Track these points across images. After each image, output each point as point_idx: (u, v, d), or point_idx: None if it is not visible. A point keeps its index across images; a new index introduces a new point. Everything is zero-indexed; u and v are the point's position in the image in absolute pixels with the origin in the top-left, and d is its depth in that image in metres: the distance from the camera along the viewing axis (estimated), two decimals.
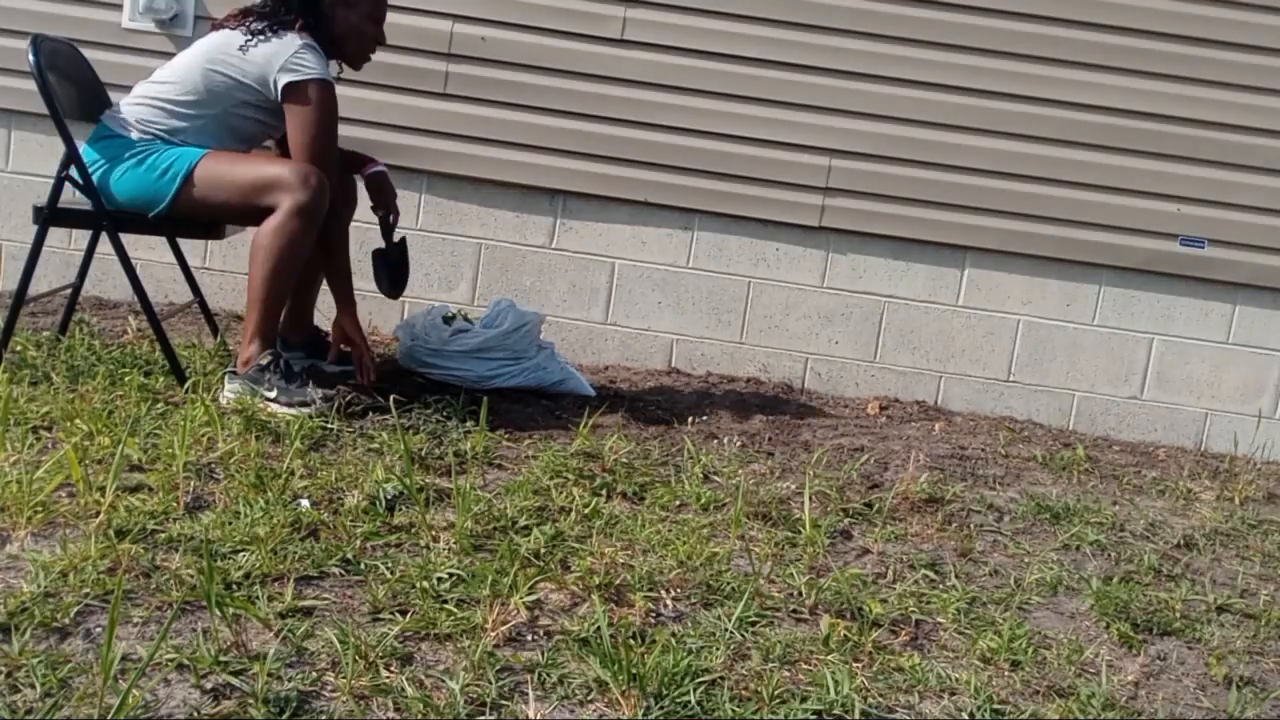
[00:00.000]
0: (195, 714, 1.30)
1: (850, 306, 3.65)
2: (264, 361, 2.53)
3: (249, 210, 2.54)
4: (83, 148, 2.57)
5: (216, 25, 2.67)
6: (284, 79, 2.53)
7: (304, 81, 2.54)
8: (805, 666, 1.61)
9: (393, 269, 2.98)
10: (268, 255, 2.50)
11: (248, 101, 2.60)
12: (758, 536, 2.14)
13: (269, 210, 2.50)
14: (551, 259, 3.64)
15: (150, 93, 2.61)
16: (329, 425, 2.43)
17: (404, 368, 3.04)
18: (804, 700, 1.49)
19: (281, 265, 2.51)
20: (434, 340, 2.96)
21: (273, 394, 2.49)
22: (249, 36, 2.56)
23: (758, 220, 3.60)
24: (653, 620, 1.71)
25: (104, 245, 2.69)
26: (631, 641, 1.57)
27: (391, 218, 2.93)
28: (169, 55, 3.48)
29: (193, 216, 2.61)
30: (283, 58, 2.54)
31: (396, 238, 2.99)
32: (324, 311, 3.08)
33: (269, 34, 2.56)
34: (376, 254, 2.97)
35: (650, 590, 1.79)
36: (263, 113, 2.63)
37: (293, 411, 2.46)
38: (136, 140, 2.57)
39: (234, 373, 2.56)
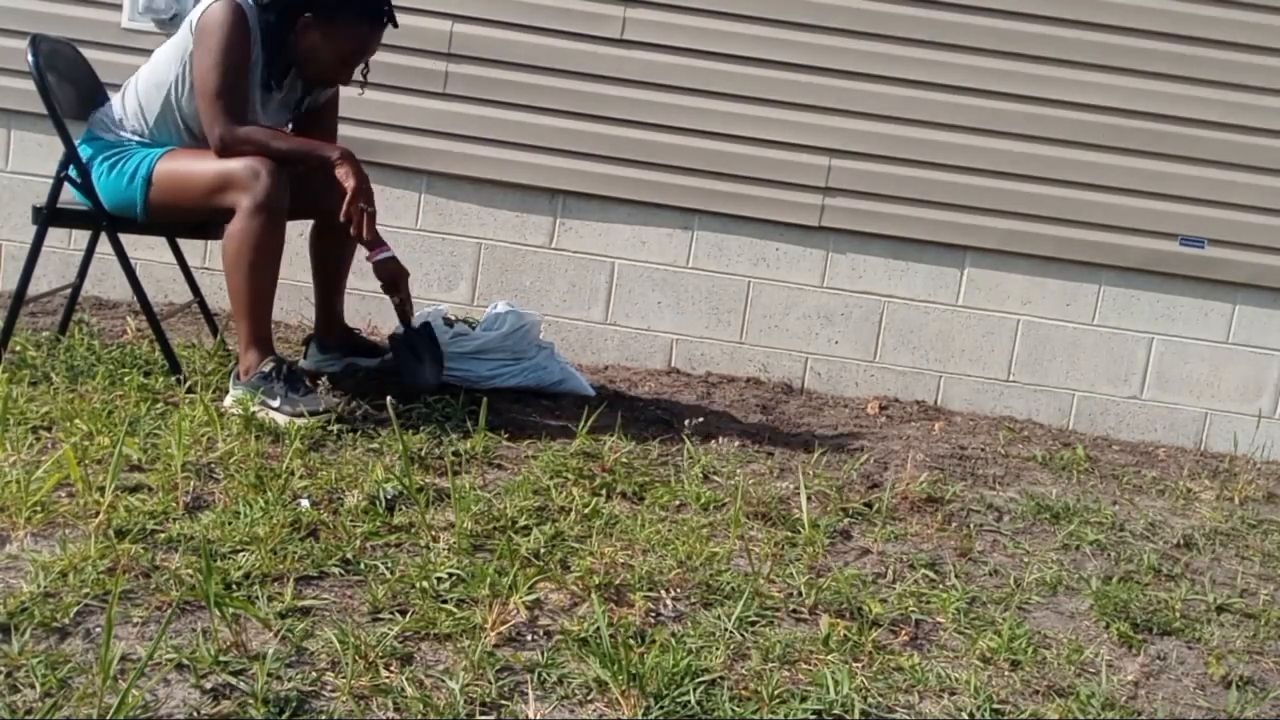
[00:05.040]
0: (195, 714, 1.30)
1: (850, 306, 3.65)
2: (266, 369, 2.46)
3: (215, 212, 2.48)
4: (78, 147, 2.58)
5: None
6: (194, 15, 2.45)
7: (207, 8, 2.43)
8: (805, 666, 1.61)
9: (421, 353, 2.78)
10: (237, 261, 2.44)
11: (187, 86, 2.51)
12: (757, 536, 2.14)
13: (231, 210, 2.43)
14: (551, 259, 3.64)
15: (127, 90, 2.60)
16: (329, 426, 2.43)
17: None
18: (804, 700, 1.49)
19: (255, 268, 2.44)
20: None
21: (276, 403, 2.42)
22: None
23: (758, 220, 3.60)
24: (653, 620, 1.71)
25: (104, 245, 2.69)
26: (631, 641, 1.57)
27: (405, 301, 2.73)
28: None
29: (171, 221, 2.60)
30: (200, 9, 2.45)
31: (417, 322, 2.84)
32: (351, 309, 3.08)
33: None
34: (394, 339, 2.82)
35: (650, 590, 1.79)
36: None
37: (301, 421, 2.40)
38: (112, 141, 2.57)
39: (236, 379, 2.51)
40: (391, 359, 2.84)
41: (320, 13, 2.53)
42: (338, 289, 2.95)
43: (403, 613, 1.61)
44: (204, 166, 2.47)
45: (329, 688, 1.40)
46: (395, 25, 2.65)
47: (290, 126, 2.77)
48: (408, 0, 3.45)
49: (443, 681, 1.43)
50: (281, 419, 2.41)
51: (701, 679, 1.51)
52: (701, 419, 2.95)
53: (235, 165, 2.43)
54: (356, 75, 2.72)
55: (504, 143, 3.55)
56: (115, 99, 2.62)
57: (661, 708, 1.42)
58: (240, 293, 2.48)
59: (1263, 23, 3.46)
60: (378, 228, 2.59)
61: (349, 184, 2.47)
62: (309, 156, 2.53)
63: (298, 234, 2.78)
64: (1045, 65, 3.50)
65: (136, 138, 2.58)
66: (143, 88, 2.57)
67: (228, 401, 2.49)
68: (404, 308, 2.73)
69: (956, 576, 2.05)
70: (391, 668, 1.45)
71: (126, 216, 2.57)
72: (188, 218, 2.59)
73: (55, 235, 3.24)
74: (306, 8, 2.52)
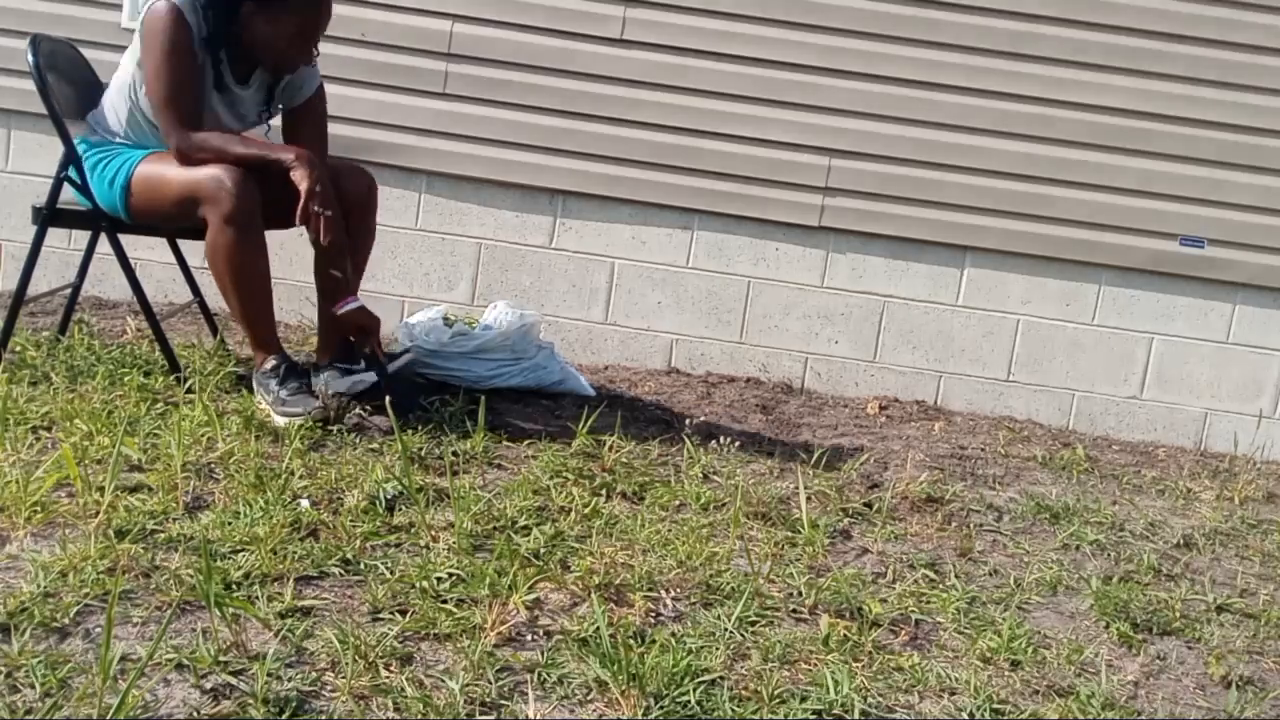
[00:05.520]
0: (195, 714, 1.30)
1: (850, 306, 3.65)
2: (268, 367, 2.53)
3: (192, 221, 2.46)
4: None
5: None
6: (138, 21, 2.44)
7: (147, 11, 2.41)
8: (805, 666, 1.61)
9: (396, 390, 2.61)
10: (220, 274, 2.45)
11: (143, 87, 2.49)
12: (757, 536, 2.14)
13: (206, 221, 2.43)
14: (551, 259, 3.64)
15: (107, 91, 2.60)
16: (329, 426, 2.43)
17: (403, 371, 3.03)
18: (804, 700, 1.49)
19: (237, 279, 2.45)
20: (433, 341, 2.96)
21: (269, 399, 2.49)
22: None
23: (758, 220, 3.60)
24: (653, 620, 1.71)
25: (103, 245, 2.69)
26: (631, 641, 1.57)
27: (377, 350, 2.65)
28: None
29: (156, 225, 2.60)
30: (143, 11, 2.43)
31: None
32: None
33: None
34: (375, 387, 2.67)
35: (650, 590, 1.79)
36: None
37: (278, 420, 2.43)
38: (97, 143, 2.57)
39: (255, 373, 2.57)
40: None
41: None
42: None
43: (403, 613, 1.61)
44: (173, 176, 2.45)
45: (329, 688, 1.40)
46: None
47: (277, 123, 2.74)
48: (408, 0, 3.45)
49: (443, 681, 1.43)
50: (271, 413, 2.46)
51: (701, 679, 1.51)
52: (701, 419, 2.95)
53: (200, 176, 2.40)
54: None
55: (504, 143, 3.55)
56: (103, 100, 2.63)
57: (661, 708, 1.42)
58: (232, 302, 2.51)
59: (1263, 23, 3.46)
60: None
61: (302, 187, 2.41)
62: (265, 161, 2.47)
63: (298, 233, 2.78)
64: (1046, 65, 3.50)
65: (120, 138, 2.58)
66: (113, 89, 2.58)
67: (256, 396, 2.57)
68: (376, 356, 2.65)
69: (956, 576, 2.05)
70: (391, 668, 1.45)
71: (118, 217, 2.57)
72: (169, 223, 2.60)
73: (55, 235, 3.23)
74: None
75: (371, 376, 2.59)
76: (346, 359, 2.82)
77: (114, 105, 2.58)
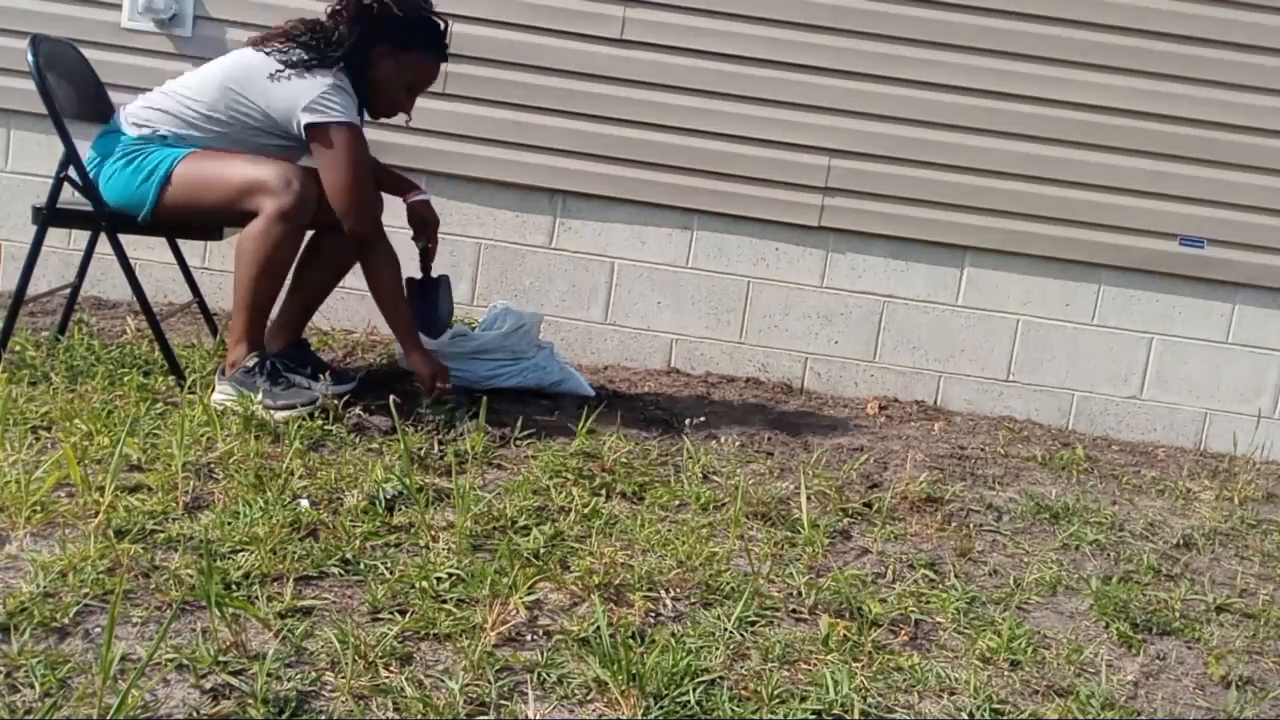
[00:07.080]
0: (195, 714, 1.30)
1: (850, 306, 3.65)
2: (250, 364, 2.51)
3: (233, 215, 2.49)
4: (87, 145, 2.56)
5: (254, 43, 2.55)
6: (306, 118, 2.46)
7: (327, 124, 2.46)
8: (805, 666, 1.61)
9: (430, 304, 2.87)
10: (251, 261, 2.46)
11: (266, 130, 2.53)
12: (757, 536, 2.14)
13: (253, 214, 2.44)
14: (551, 259, 3.64)
15: (167, 101, 2.55)
16: (329, 426, 2.43)
17: (403, 369, 3.03)
18: (803, 700, 1.49)
19: (265, 271, 2.47)
20: (433, 342, 2.96)
21: (259, 397, 2.46)
22: (282, 68, 2.47)
23: (757, 220, 3.60)
24: (652, 620, 1.71)
25: (103, 245, 2.69)
26: (631, 641, 1.57)
27: (431, 247, 2.86)
28: (168, 55, 3.50)
29: (178, 222, 2.59)
30: (308, 97, 2.45)
31: (436, 274, 2.91)
32: (324, 315, 3.07)
33: (304, 72, 2.47)
34: (411, 284, 2.85)
35: (650, 590, 1.79)
36: (284, 139, 2.55)
37: (280, 415, 2.43)
38: (131, 138, 2.53)
39: (222, 374, 2.54)
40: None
41: (394, 43, 2.58)
42: (315, 302, 2.90)
43: (402, 613, 1.61)
44: (233, 169, 2.47)
45: (329, 688, 1.40)
46: (447, 60, 2.72)
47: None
48: None
49: (442, 681, 1.43)
50: (276, 413, 2.44)
51: (701, 679, 1.51)
52: (701, 419, 2.95)
53: (266, 170, 2.44)
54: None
55: (504, 143, 3.55)
56: (150, 103, 2.56)
57: (661, 708, 1.42)
58: (245, 289, 2.50)
59: (1263, 23, 3.46)
60: (411, 177, 2.95)
61: (424, 377, 2.69)
62: (399, 328, 2.69)
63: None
64: (1045, 65, 3.50)
65: (172, 129, 2.53)
66: (199, 107, 2.52)
67: (217, 397, 2.52)
68: (428, 254, 2.87)
69: (956, 576, 2.05)
70: (391, 668, 1.45)
71: (129, 215, 2.55)
72: (196, 220, 2.57)
73: (55, 235, 3.23)
74: (379, 39, 2.56)
75: (313, 394, 2.56)
76: (295, 355, 2.78)
77: (209, 96, 2.51)
